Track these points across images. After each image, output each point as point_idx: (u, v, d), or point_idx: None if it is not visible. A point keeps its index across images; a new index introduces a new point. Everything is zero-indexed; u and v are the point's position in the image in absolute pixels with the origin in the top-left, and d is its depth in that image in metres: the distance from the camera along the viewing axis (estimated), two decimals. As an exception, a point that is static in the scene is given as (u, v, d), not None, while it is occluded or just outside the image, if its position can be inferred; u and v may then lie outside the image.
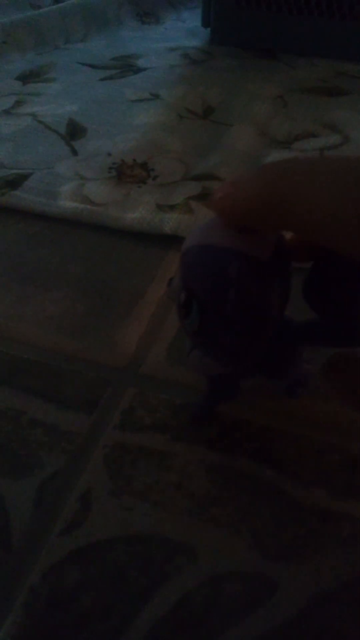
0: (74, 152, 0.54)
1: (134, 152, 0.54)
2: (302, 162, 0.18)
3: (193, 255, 0.22)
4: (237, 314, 0.21)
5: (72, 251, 0.42)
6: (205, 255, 0.22)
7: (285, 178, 0.18)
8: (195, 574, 0.24)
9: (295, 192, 0.18)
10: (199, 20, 0.86)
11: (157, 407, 0.30)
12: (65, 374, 0.32)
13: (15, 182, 0.49)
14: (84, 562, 0.24)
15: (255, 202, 0.19)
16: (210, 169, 0.52)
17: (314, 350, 0.26)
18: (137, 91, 0.68)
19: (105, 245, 0.43)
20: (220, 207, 0.21)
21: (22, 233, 0.44)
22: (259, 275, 0.21)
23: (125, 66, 0.76)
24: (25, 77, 0.72)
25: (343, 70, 0.76)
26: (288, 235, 0.23)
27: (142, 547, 0.25)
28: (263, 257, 0.22)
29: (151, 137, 0.57)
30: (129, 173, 0.51)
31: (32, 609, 0.23)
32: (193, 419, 0.30)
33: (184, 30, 0.92)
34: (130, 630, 0.22)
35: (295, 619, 0.22)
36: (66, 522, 0.25)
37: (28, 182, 0.49)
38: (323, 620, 0.22)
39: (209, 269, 0.21)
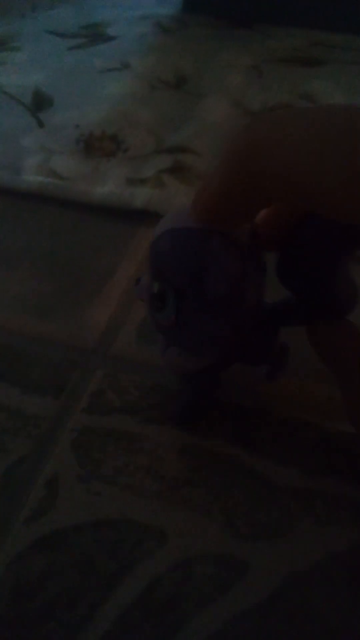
0: (40, 124, 0.52)
1: (104, 124, 0.52)
2: (276, 119, 0.17)
3: (165, 240, 0.21)
4: (218, 295, 0.20)
5: (38, 228, 0.40)
6: (180, 238, 0.20)
7: (259, 147, 0.17)
8: (165, 557, 0.23)
9: (273, 155, 0.16)
10: (171, -13, 0.83)
11: (127, 389, 0.29)
12: (31, 356, 0.31)
13: (-23, 156, 0.47)
14: (50, 550, 0.23)
15: (228, 186, 0.18)
16: (183, 141, 0.50)
17: (289, 330, 0.25)
18: (106, 61, 0.65)
19: (72, 222, 0.41)
20: (196, 208, 0.20)
21: (-14, 210, 0.42)
22: (238, 255, 0.20)
23: (94, 35, 0.73)
24: (-11, 46, 0.69)
25: (319, 40, 0.74)
26: (260, 222, 0.22)
27: (111, 532, 0.24)
28: (240, 238, 0.21)
29: (121, 108, 0.55)
30: (97, 145, 0.49)
31: (-4, 600, 0.22)
32: (178, 423, 0.28)
33: (156, -3, 0.89)
34: (98, 617, 0.21)
35: (268, 601, 0.22)
36: (32, 509, 0.24)
37: (-9, 156, 0.47)
38: (296, 601, 0.22)
39: (185, 251, 0.20)
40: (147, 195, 0.42)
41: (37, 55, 0.66)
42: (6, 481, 0.25)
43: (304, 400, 0.29)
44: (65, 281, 0.36)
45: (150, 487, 0.25)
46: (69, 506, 0.25)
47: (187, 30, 0.76)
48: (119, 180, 0.44)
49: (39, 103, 0.55)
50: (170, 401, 0.29)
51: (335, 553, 0.23)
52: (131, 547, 0.23)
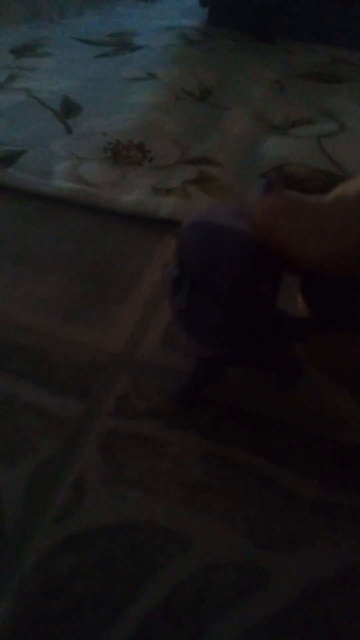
0: (69, 130, 0.53)
1: (130, 133, 0.53)
2: None
3: (189, 230, 0.22)
4: (225, 287, 0.22)
5: (66, 232, 0.41)
6: (201, 230, 0.22)
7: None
8: (188, 562, 0.24)
9: None
10: (196, -1, 0.85)
11: (152, 394, 0.30)
12: (58, 358, 0.32)
13: (8, 159, 0.48)
14: (77, 550, 0.24)
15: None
16: (207, 153, 0.51)
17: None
18: (133, 70, 0.67)
19: (99, 227, 0.42)
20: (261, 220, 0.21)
21: (15, 212, 0.43)
22: (251, 252, 0.21)
23: (122, 43, 0.74)
24: (19, 51, 0.70)
25: (340, 57, 0.75)
26: None
27: (135, 535, 0.24)
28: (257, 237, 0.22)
29: (147, 118, 0.56)
30: (124, 154, 0.50)
31: (24, 597, 0.22)
32: (173, 398, 0.29)
33: (181, 8, 0.90)
34: (123, 619, 0.22)
35: (288, 609, 0.22)
36: (59, 509, 0.25)
37: (22, 160, 0.48)
38: (315, 611, 0.22)
39: (202, 241, 0.22)
40: (172, 205, 0.43)
41: (66, 61, 0.68)
42: (35, 480, 0.26)
43: (321, 413, 0.30)
44: (92, 286, 0.37)
45: (174, 492, 0.26)
46: (95, 508, 0.25)
47: (211, 43, 0.77)
48: (145, 189, 0.45)
49: (68, 110, 0.56)
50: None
51: (353, 565, 0.24)
52: (155, 551, 0.24)
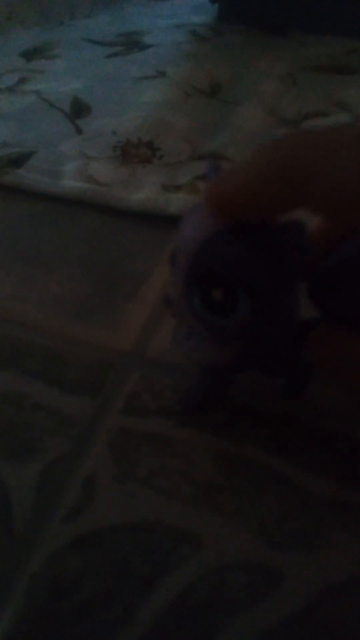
0: (79, 131, 0.53)
1: (140, 131, 0.53)
2: (318, 135, 0.17)
3: (219, 244, 0.20)
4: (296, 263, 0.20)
5: (76, 232, 0.41)
6: (233, 236, 0.20)
7: (301, 155, 0.17)
8: (200, 563, 0.23)
9: (315, 168, 0.17)
10: (206, -4, 0.84)
11: (162, 392, 0.30)
12: (69, 357, 0.32)
13: (18, 160, 0.48)
14: (87, 550, 0.23)
15: (258, 186, 0.18)
16: (218, 149, 0.50)
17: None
18: (143, 68, 0.66)
19: (109, 226, 0.42)
20: (210, 198, 0.20)
21: (25, 213, 0.43)
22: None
23: (131, 43, 0.74)
24: (30, 54, 0.70)
25: (353, 48, 0.74)
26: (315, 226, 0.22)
27: (146, 535, 0.24)
28: None
29: (157, 116, 0.55)
30: (134, 152, 0.49)
31: (33, 597, 0.22)
32: (182, 407, 0.29)
33: (191, 6, 0.89)
34: (133, 620, 0.22)
35: (302, 611, 0.22)
36: (69, 508, 0.25)
37: (32, 161, 0.48)
38: (331, 613, 0.22)
39: (248, 248, 0.20)
40: (181, 201, 0.42)
41: (76, 63, 0.68)
42: (44, 479, 0.26)
43: (335, 411, 0.29)
44: (102, 284, 0.37)
45: (185, 492, 0.25)
46: (105, 507, 0.25)
47: (222, 39, 0.76)
48: (154, 187, 0.44)
49: (78, 110, 0.56)
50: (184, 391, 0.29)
51: (371, 566, 0.23)
52: (166, 552, 0.23)
